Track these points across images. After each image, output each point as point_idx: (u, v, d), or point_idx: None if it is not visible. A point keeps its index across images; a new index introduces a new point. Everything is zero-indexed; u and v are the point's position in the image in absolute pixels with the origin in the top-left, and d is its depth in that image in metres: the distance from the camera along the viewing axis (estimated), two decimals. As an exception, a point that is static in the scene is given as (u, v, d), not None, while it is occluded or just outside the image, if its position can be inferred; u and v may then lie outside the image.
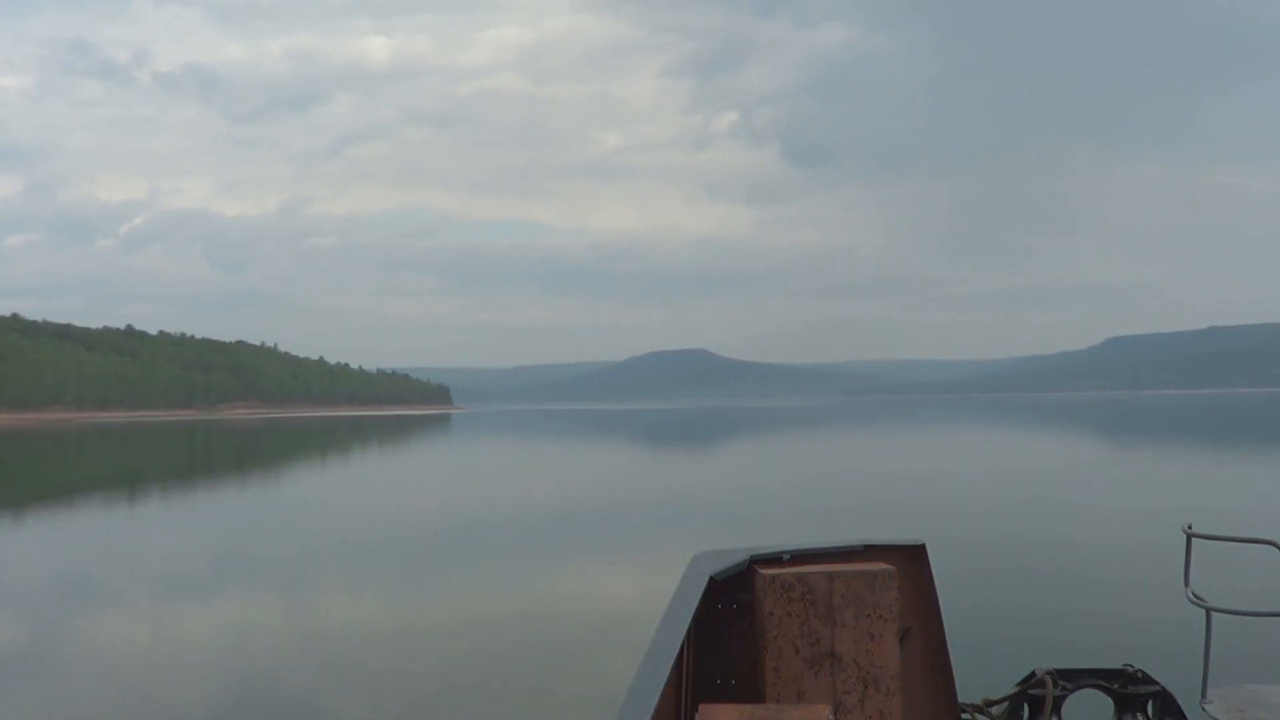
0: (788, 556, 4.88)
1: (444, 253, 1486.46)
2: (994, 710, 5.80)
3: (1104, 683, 5.86)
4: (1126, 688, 5.82)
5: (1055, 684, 5.81)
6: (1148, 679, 5.82)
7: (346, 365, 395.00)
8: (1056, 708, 5.81)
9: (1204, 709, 5.34)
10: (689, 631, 4.09)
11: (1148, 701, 5.79)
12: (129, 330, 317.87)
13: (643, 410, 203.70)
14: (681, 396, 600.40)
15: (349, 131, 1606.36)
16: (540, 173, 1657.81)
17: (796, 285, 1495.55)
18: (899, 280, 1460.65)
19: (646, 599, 15.20)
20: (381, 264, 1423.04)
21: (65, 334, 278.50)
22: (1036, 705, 5.81)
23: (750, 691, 4.65)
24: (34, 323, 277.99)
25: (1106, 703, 5.88)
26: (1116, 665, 5.90)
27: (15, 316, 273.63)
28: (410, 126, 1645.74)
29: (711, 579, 4.63)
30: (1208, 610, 5.46)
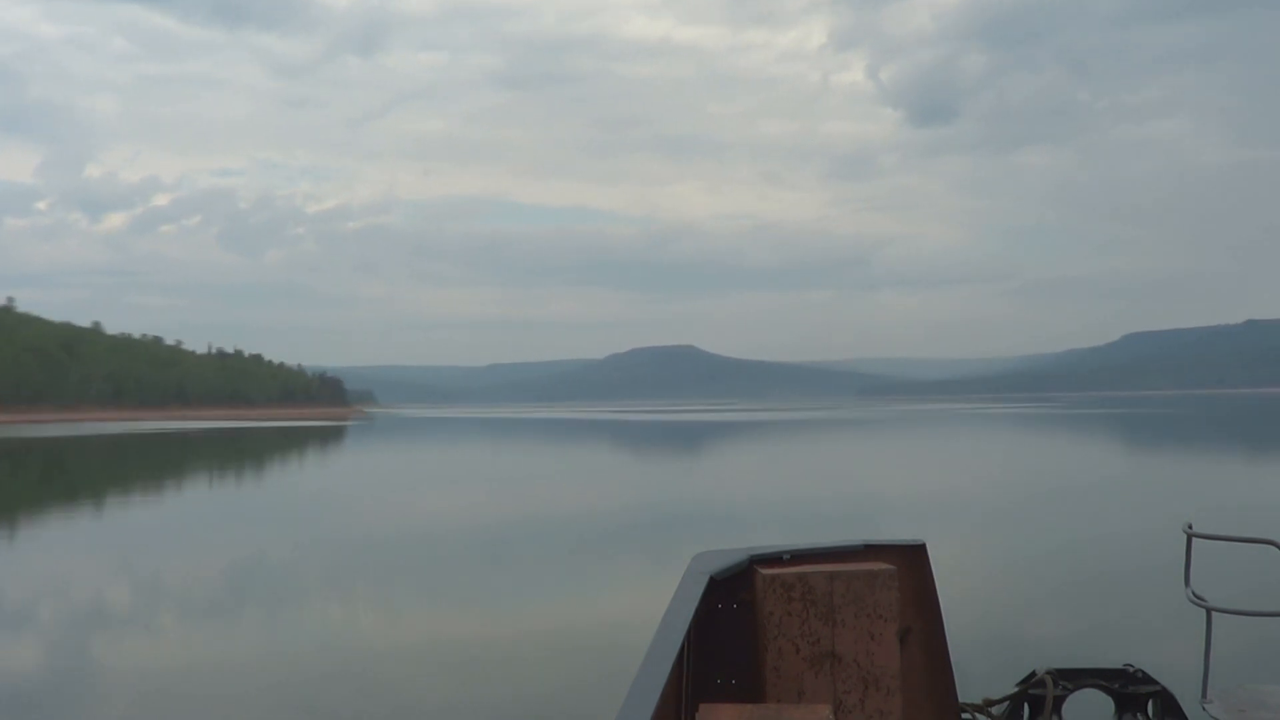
0: (788, 556, 4.88)
1: (474, 240, 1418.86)
2: (994, 710, 5.80)
3: (1104, 683, 5.86)
4: (1127, 688, 5.81)
5: (1055, 684, 5.81)
6: (1148, 679, 5.81)
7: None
8: (1057, 708, 5.81)
9: (1204, 709, 5.34)
10: (689, 631, 4.09)
11: (1148, 701, 5.78)
12: None
13: (602, 418, 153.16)
14: (659, 399, 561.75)
15: (415, 89, 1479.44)
16: (618, 149, 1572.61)
17: (840, 277, 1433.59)
18: (950, 272, 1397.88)
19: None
20: (412, 250, 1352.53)
21: None
22: (1037, 705, 5.80)
23: (750, 691, 4.65)
24: None
25: (1107, 703, 5.87)
26: (1116, 665, 5.90)
27: None
28: (489, 88, 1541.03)
29: (711, 579, 4.63)
30: (1208, 610, 5.45)
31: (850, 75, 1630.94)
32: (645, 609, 9.44)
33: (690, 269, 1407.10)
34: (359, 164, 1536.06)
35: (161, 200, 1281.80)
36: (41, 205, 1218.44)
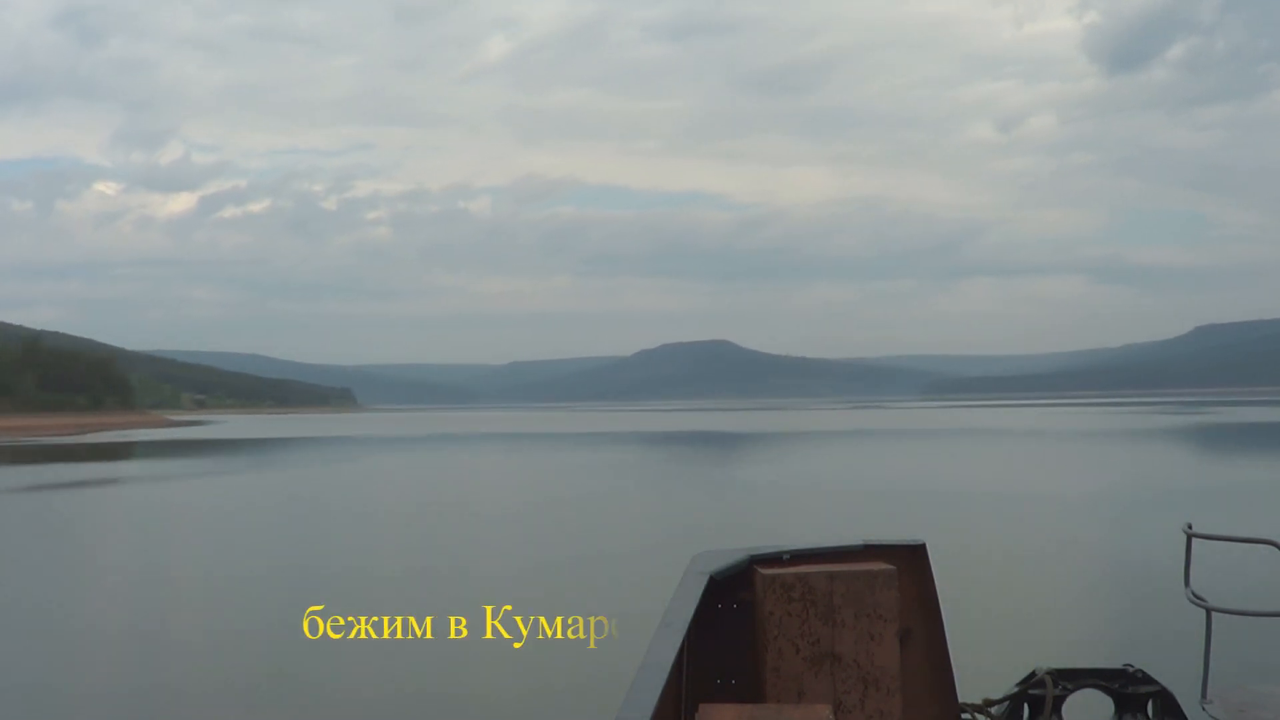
0: (788, 556, 4.88)
1: (553, 225, 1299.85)
2: (994, 710, 5.79)
3: (1104, 683, 5.85)
4: (1126, 688, 5.81)
5: (1055, 684, 5.80)
6: (1148, 679, 5.81)
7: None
8: (1056, 708, 5.80)
9: (1204, 709, 5.34)
10: (689, 631, 4.09)
11: (1148, 701, 5.78)
12: None
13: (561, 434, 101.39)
14: (683, 399, 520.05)
15: (549, 42, 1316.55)
16: (752, 125, 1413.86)
17: (927, 265, 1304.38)
18: (1049, 259, 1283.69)
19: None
20: (488, 237, 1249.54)
21: None
22: (1036, 705, 5.80)
23: (750, 691, 4.65)
24: None
25: (1106, 703, 5.87)
26: (1116, 665, 5.90)
27: None
28: (636, 45, 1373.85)
29: (711, 579, 4.63)
30: (1208, 610, 5.45)
31: (1049, 22, 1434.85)
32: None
33: (769, 258, 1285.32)
34: (458, 139, 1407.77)
35: (230, 183, 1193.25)
36: (105, 188, 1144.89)
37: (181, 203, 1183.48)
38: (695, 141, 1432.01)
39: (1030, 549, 22.19)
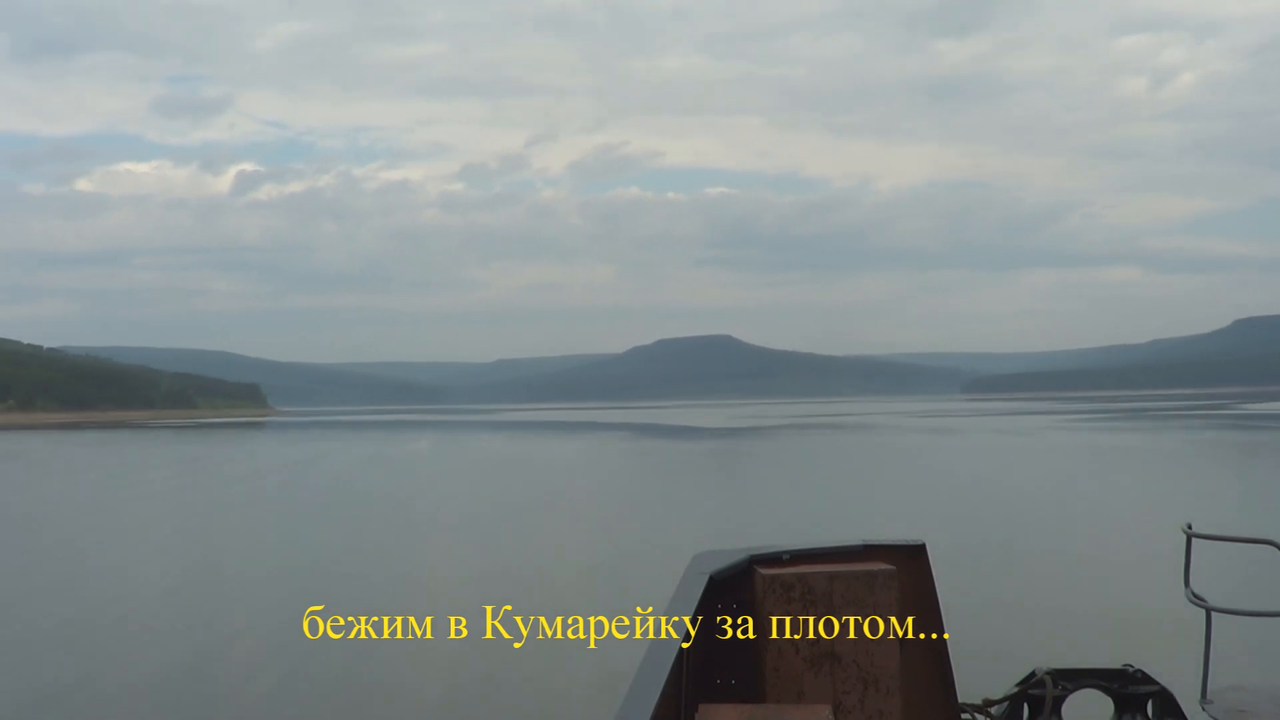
0: (787, 556, 4.88)
1: (603, 210, 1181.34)
2: (994, 710, 5.79)
3: (1104, 683, 5.85)
4: (1126, 688, 5.80)
5: (1055, 684, 5.80)
6: (1148, 679, 5.81)
7: None
8: (1056, 708, 5.80)
9: (1204, 709, 5.34)
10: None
11: (1148, 701, 5.78)
12: None
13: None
14: (671, 397, 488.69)
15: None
16: (888, 83, 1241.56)
17: (987, 255, 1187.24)
18: (1118, 248, 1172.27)
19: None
20: (538, 219, 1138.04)
21: None
22: (1036, 705, 5.80)
23: (750, 691, 4.64)
24: None
25: (1106, 703, 5.87)
26: (1116, 665, 5.89)
27: None
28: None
29: (711, 579, 4.62)
30: (1208, 610, 5.45)
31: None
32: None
33: (823, 247, 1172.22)
34: (533, 113, 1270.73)
35: (270, 164, 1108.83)
36: (142, 167, 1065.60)
37: (218, 184, 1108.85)
38: (804, 114, 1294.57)
39: (1030, 549, 22.18)
